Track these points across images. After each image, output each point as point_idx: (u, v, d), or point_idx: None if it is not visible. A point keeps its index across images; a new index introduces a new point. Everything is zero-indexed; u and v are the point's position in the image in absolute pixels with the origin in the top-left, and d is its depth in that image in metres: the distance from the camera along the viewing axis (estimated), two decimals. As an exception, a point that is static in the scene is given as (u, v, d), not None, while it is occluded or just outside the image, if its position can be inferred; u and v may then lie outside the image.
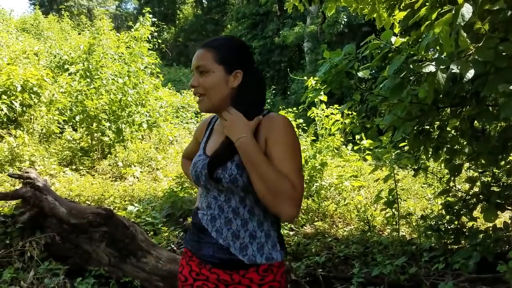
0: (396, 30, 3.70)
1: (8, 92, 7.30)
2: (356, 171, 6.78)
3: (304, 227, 4.94)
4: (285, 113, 7.80)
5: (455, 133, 3.31)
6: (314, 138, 6.85)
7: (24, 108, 7.53)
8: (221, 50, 1.44)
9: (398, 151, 4.72)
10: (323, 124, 6.81)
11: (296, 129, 7.50)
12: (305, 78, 5.83)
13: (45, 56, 10.82)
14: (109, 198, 5.50)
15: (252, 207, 1.43)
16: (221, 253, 1.43)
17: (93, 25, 14.01)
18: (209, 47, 1.46)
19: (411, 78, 2.86)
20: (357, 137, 5.91)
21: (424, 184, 6.98)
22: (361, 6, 3.92)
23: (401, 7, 3.42)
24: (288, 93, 18.44)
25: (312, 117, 7.00)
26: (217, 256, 1.44)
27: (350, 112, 4.97)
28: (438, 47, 2.36)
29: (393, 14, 3.62)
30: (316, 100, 6.16)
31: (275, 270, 1.44)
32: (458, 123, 3.19)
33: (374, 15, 3.79)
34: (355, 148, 6.63)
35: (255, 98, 1.47)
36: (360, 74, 2.96)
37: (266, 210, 1.41)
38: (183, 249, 1.62)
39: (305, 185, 5.96)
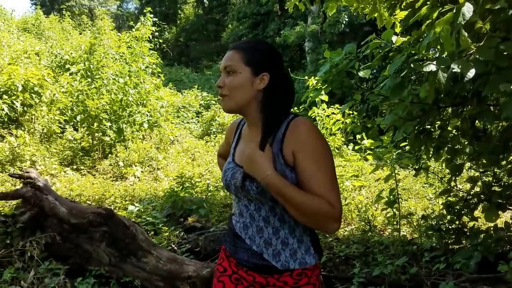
0: (397, 29, 3.70)
1: (9, 92, 7.32)
2: (357, 170, 6.77)
3: (305, 227, 4.92)
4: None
5: (456, 133, 3.30)
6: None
7: (25, 108, 7.55)
8: (249, 52, 1.44)
9: (399, 150, 4.71)
10: (324, 123, 6.81)
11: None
12: (306, 77, 5.83)
13: (46, 56, 10.83)
14: (110, 198, 5.50)
15: (283, 215, 1.43)
16: (255, 258, 1.46)
17: (94, 25, 14.01)
18: (238, 49, 1.46)
19: (412, 77, 2.85)
20: (358, 136, 5.91)
21: (425, 184, 6.97)
22: (362, 6, 3.91)
23: (402, 7, 3.41)
24: (289, 92, 18.39)
25: (313, 117, 6.99)
26: (252, 261, 1.47)
27: (351, 112, 4.97)
28: (439, 47, 2.35)
29: (394, 14, 3.61)
30: (317, 99, 6.16)
31: (309, 273, 1.45)
32: (459, 122, 3.18)
33: (375, 15, 3.79)
34: (356, 147, 6.62)
35: (281, 102, 1.45)
36: (360, 73, 2.95)
37: None
38: (222, 246, 1.66)
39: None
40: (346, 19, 15.36)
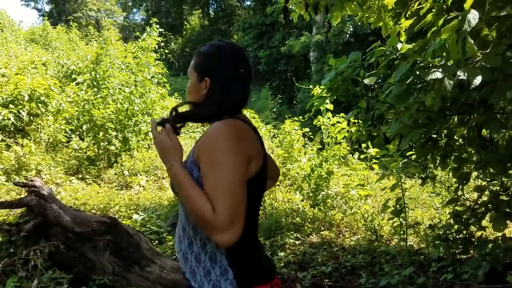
0: (402, 38, 3.69)
1: (16, 102, 7.37)
2: (363, 179, 6.72)
3: (310, 236, 4.90)
4: (291, 122, 7.79)
5: (462, 141, 3.27)
6: (320, 146, 6.83)
7: (31, 118, 7.58)
8: (198, 58, 1.44)
9: (405, 159, 4.67)
10: (329, 132, 6.78)
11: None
12: (311, 87, 5.83)
13: (53, 66, 10.91)
14: (115, 207, 5.50)
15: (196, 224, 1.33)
16: (185, 276, 1.39)
17: (101, 36, 14.10)
18: (195, 54, 1.47)
19: (417, 85, 2.84)
20: (364, 145, 5.88)
21: (432, 193, 6.91)
22: (367, 15, 3.91)
23: (407, 15, 3.41)
24: (294, 102, 18.45)
25: (318, 126, 6.97)
26: (186, 282, 1.40)
27: (356, 120, 4.95)
28: (444, 54, 2.34)
29: (399, 23, 3.61)
30: (322, 108, 6.15)
31: None
32: (465, 131, 3.15)
33: (380, 24, 3.79)
34: (362, 156, 6.58)
35: (213, 109, 1.37)
36: (366, 81, 2.94)
37: None
38: None
39: (311, 194, 5.93)
40: (351, 29, 15.42)
